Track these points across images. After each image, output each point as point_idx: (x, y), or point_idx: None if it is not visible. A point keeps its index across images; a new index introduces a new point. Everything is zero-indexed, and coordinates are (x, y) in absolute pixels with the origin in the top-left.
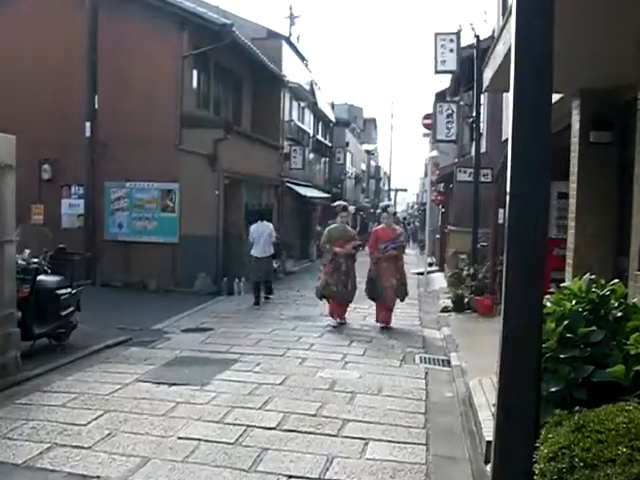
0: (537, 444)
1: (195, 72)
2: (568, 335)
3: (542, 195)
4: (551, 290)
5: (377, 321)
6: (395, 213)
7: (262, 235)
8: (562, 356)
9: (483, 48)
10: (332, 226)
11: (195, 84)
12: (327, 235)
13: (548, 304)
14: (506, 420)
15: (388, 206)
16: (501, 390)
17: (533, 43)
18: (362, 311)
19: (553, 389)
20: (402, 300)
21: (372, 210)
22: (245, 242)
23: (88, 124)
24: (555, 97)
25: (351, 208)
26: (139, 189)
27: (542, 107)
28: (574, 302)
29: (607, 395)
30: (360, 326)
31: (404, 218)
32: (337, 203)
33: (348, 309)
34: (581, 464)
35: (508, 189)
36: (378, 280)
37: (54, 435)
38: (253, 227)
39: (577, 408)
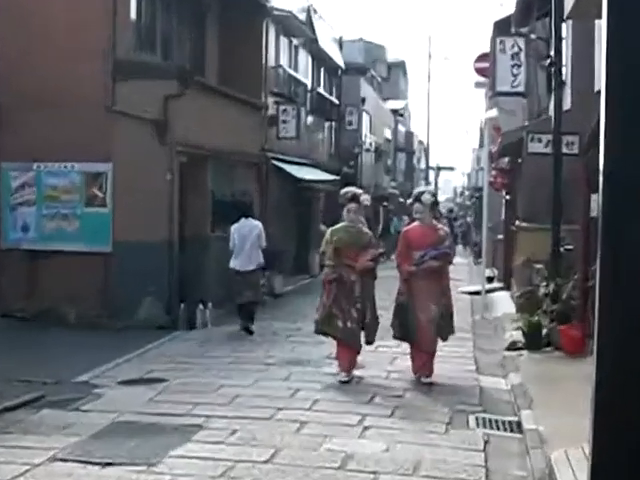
0: None
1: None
2: None
3: None
4: None
5: (414, 372)
6: (436, 203)
7: (247, 239)
8: None
9: None
10: (337, 226)
11: (134, 16)
12: (329, 240)
13: None
14: None
15: (423, 193)
16: (595, 467)
17: None
18: (387, 350)
19: None
20: (444, 339)
21: (402, 199)
22: (213, 249)
23: None
24: None
25: (365, 197)
26: (52, 173)
27: None
28: None
29: None
30: (386, 373)
31: (450, 210)
32: (345, 190)
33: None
34: None
35: (601, 165)
36: (410, 309)
37: None
38: (234, 227)
39: None
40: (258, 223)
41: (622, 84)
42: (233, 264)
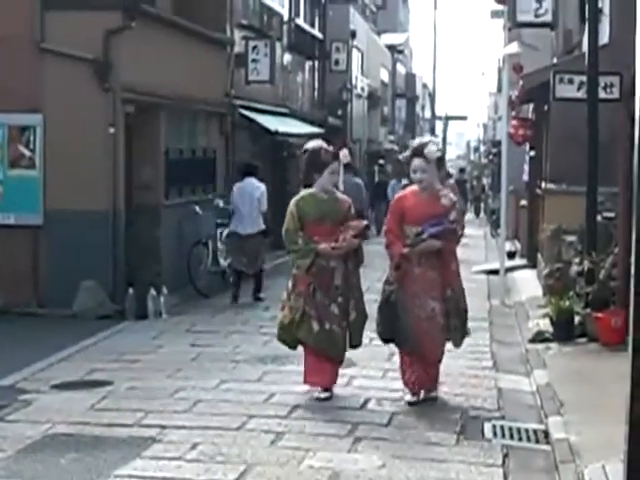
0: None
1: None
2: None
3: None
4: None
5: (405, 385)
6: (441, 160)
7: (247, 200)
8: None
9: None
10: (303, 194)
11: None
12: (294, 213)
13: None
14: None
15: (425, 145)
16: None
17: None
18: (383, 344)
19: None
20: (457, 345)
21: (403, 154)
22: (167, 220)
23: None
24: None
25: (344, 153)
26: None
27: None
28: None
29: None
30: (382, 372)
31: (461, 170)
32: (312, 146)
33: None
34: None
35: (637, 113)
36: (401, 303)
37: None
38: (236, 186)
39: None
40: (261, 185)
41: None
42: (233, 226)
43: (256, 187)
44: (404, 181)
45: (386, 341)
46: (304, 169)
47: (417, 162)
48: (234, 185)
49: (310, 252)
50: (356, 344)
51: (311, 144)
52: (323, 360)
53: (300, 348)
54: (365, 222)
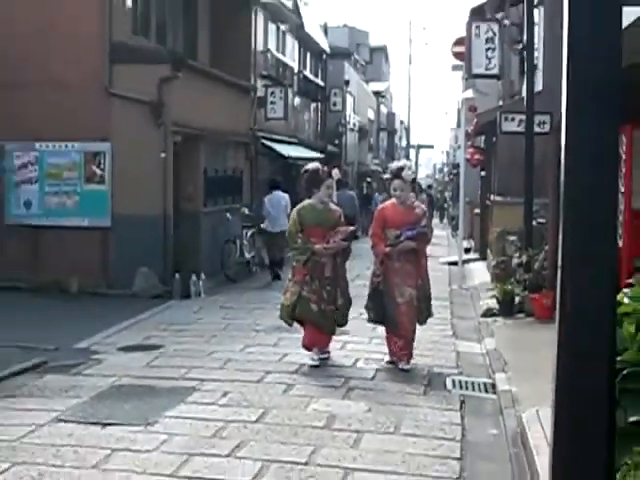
0: None
1: None
2: None
3: (610, 143)
4: (632, 281)
5: (391, 357)
6: (414, 180)
7: (276, 207)
8: None
9: None
10: (303, 204)
11: (130, 2)
12: (296, 221)
13: (625, 301)
14: (568, 464)
15: (402, 169)
16: (559, 422)
17: None
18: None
19: (634, 418)
20: (421, 323)
21: (383, 176)
22: (205, 223)
23: None
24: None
25: (335, 172)
26: (53, 152)
27: (609, 26)
28: None
29: None
30: (368, 339)
31: (429, 186)
32: (311, 167)
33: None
34: None
35: (562, 138)
36: (386, 291)
37: None
38: (267, 198)
39: None
40: (285, 195)
41: (580, 66)
42: (265, 225)
43: (282, 197)
44: (384, 195)
45: (375, 322)
46: (305, 185)
47: (396, 182)
48: (265, 197)
49: (307, 250)
50: (341, 324)
51: (310, 165)
52: (320, 332)
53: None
54: (351, 228)
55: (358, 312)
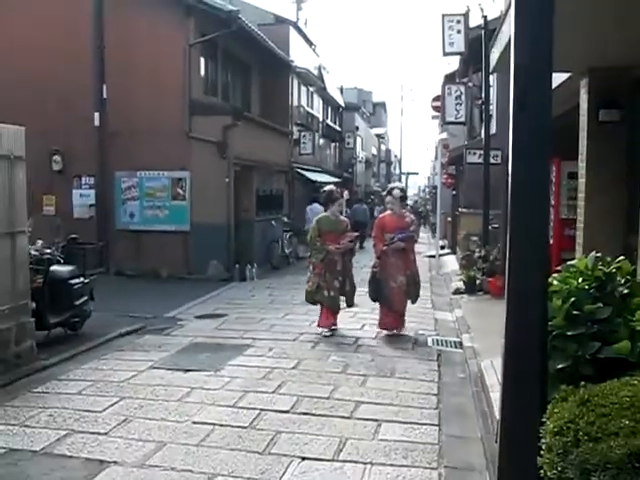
0: (544, 419)
1: (202, 59)
2: (575, 312)
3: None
4: (559, 268)
5: (379, 327)
6: (403, 198)
7: (315, 215)
8: (569, 333)
9: (491, 29)
10: (321, 216)
11: (203, 71)
12: (316, 228)
13: (555, 282)
14: (513, 397)
15: (393, 189)
16: (507, 368)
17: (531, 23)
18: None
19: (560, 366)
20: (413, 302)
21: (383, 194)
22: (257, 229)
23: (97, 114)
24: (563, 76)
25: (345, 193)
26: (149, 178)
27: (543, 89)
28: (580, 280)
29: (613, 371)
30: (371, 310)
31: (415, 202)
32: (328, 188)
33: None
34: (585, 437)
35: (509, 168)
36: (383, 278)
37: (71, 422)
38: (309, 207)
39: (583, 384)
40: (321, 206)
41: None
42: (306, 228)
43: (320, 208)
44: (382, 207)
45: (373, 300)
46: (323, 201)
47: (389, 198)
48: (307, 207)
49: (323, 250)
50: (350, 304)
51: (327, 187)
52: (330, 312)
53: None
54: (355, 234)
55: (364, 292)
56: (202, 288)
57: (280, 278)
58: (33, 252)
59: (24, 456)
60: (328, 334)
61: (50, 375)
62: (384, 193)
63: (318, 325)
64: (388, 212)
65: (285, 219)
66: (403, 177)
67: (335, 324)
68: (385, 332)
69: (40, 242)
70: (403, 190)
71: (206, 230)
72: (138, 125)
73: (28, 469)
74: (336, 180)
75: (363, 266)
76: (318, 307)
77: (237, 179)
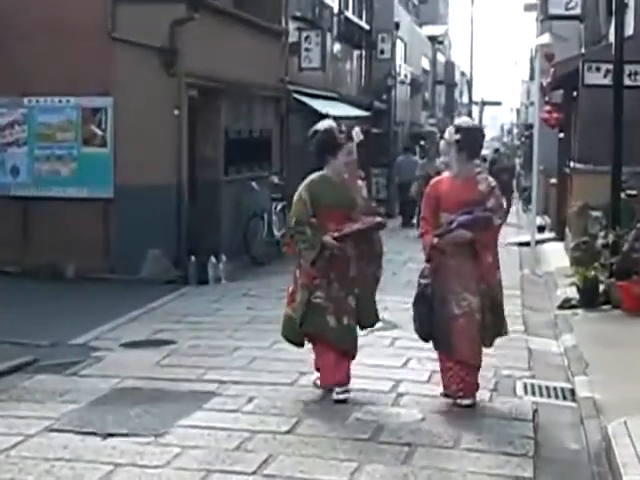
0: None
1: None
2: None
3: None
4: None
5: (444, 393)
6: (470, 145)
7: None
8: None
9: None
10: (315, 177)
11: None
12: (303, 198)
13: None
14: None
15: (459, 129)
16: None
17: None
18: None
19: None
20: (488, 345)
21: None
22: (226, 194)
23: None
24: None
25: (356, 131)
26: (45, 108)
27: None
28: None
29: None
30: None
31: (496, 150)
32: (322, 126)
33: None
34: None
35: None
36: (437, 298)
37: None
38: (400, 160)
39: None
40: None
41: None
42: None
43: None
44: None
45: (423, 339)
46: (315, 151)
47: (442, 144)
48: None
49: (318, 243)
50: (365, 325)
51: (321, 125)
52: (339, 355)
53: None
54: (378, 219)
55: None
56: (134, 296)
57: (265, 279)
58: None
59: None
60: (342, 397)
61: None
62: (439, 136)
63: (320, 383)
64: (447, 174)
65: (275, 179)
66: (475, 109)
67: (348, 378)
68: (444, 397)
69: None
70: (468, 129)
71: (141, 198)
72: (27, 20)
73: None
74: (362, 114)
75: (407, 260)
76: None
77: (194, 111)
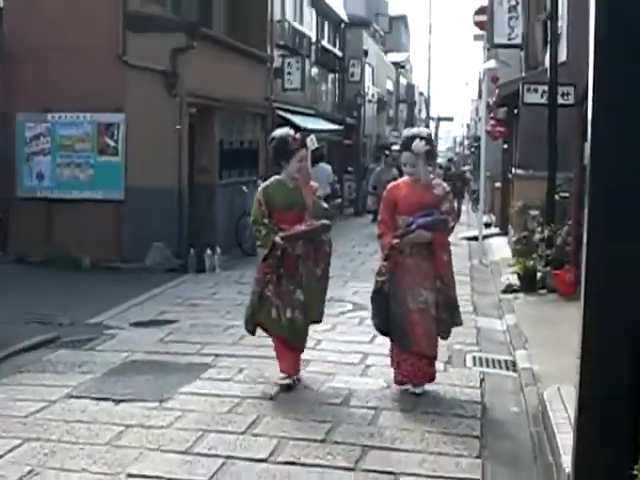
0: (635, 472)
1: None
2: None
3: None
4: None
5: (397, 382)
6: (431, 154)
7: (322, 177)
8: None
9: None
10: (270, 182)
11: None
12: (261, 201)
13: None
14: (591, 442)
15: (413, 139)
16: (583, 402)
17: None
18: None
19: None
20: (444, 337)
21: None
22: (220, 196)
23: None
24: None
25: (310, 139)
26: (66, 123)
27: None
28: None
29: None
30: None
31: (449, 160)
32: (278, 134)
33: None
34: None
35: (589, 109)
36: (393, 295)
37: None
38: (313, 169)
39: None
40: (328, 167)
41: (610, 37)
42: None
43: (325, 168)
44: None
45: (381, 332)
46: (271, 157)
47: (405, 155)
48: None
49: (269, 241)
50: (317, 320)
51: (278, 132)
52: (290, 347)
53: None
54: (324, 222)
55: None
56: (141, 282)
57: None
58: None
59: None
60: (284, 382)
61: None
62: (396, 146)
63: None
64: (404, 179)
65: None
66: (432, 123)
67: (294, 369)
68: (401, 388)
69: None
70: (429, 140)
71: (148, 199)
72: (49, 47)
73: None
74: (336, 127)
75: (374, 252)
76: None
77: (193, 126)
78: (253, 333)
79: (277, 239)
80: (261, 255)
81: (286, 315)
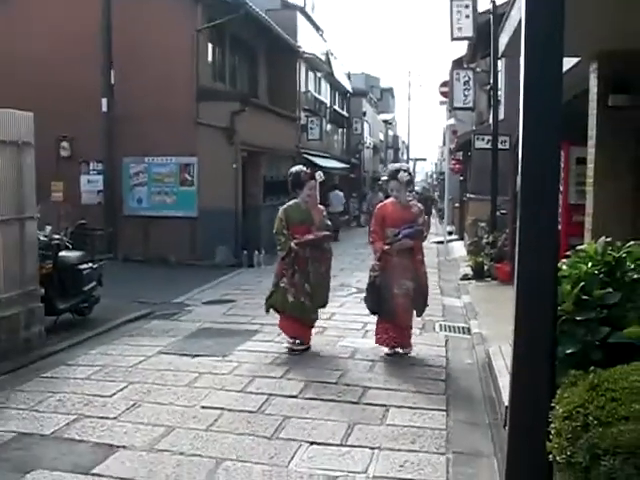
0: (553, 404)
1: (210, 45)
2: (584, 297)
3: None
4: (568, 253)
5: (378, 342)
6: (410, 183)
7: (335, 199)
8: (578, 318)
9: (500, 13)
10: (290, 203)
11: (210, 57)
12: (282, 218)
13: (564, 267)
14: (521, 382)
15: (398, 171)
16: (516, 353)
17: (543, 7)
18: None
19: (569, 351)
20: (419, 315)
21: (383, 177)
22: (264, 214)
23: (104, 100)
24: (572, 61)
25: (319, 174)
26: (157, 164)
27: (553, 72)
28: (590, 265)
29: (623, 356)
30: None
31: (424, 188)
32: (294, 170)
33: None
34: (595, 422)
35: (519, 153)
36: (384, 285)
37: (80, 407)
38: (332, 194)
39: (592, 368)
40: (341, 193)
41: (533, 102)
42: (331, 209)
43: (337, 193)
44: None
45: (372, 312)
46: (290, 186)
47: (393, 183)
48: (329, 193)
49: (287, 246)
50: (322, 305)
51: (294, 168)
52: (302, 323)
53: (341, 278)
54: (325, 233)
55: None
56: (210, 274)
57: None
58: (42, 238)
59: (34, 440)
60: (298, 348)
61: (59, 360)
62: (384, 177)
63: (287, 338)
64: (390, 200)
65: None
66: (411, 163)
67: (308, 339)
68: (386, 350)
69: (49, 228)
70: (410, 173)
71: (214, 216)
72: (146, 111)
73: (38, 453)
74: (344, 166)
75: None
76: (338, 281)
77: (244, 165)
78: (267, 312)
79: (293, 245)
80: (280, 256)
81: (300, 300)
